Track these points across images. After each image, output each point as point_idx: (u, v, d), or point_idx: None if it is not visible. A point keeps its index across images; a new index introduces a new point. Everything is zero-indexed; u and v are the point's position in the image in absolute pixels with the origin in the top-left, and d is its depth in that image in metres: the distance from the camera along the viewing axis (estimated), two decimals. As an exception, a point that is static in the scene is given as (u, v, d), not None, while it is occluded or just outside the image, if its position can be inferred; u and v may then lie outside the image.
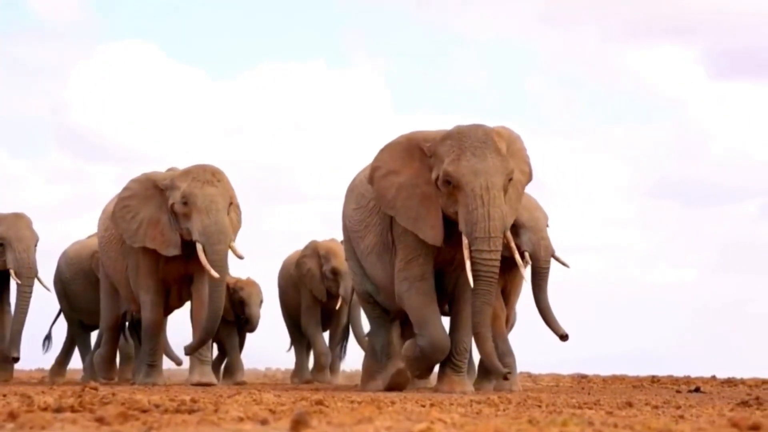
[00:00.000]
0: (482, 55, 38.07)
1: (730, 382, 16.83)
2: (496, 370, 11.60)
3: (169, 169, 14.73)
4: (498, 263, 11.11)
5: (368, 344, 13.36)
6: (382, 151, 11.98)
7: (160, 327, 14.71)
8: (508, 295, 13.33)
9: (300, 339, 18.21)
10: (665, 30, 35.18)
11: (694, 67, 36.34)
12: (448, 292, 12.04)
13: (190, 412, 6.41)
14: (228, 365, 17.08)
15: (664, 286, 31.70)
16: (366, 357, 13.27)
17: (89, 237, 17.62)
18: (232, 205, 14.27)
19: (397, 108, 37.66)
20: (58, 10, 38.41)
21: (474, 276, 11.04)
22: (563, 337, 12.97)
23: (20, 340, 16.71)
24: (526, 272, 12.68)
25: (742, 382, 17.10)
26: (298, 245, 17.91)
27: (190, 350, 14.57)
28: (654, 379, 18.14)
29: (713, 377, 18.75)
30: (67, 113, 37.88)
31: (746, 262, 33.20)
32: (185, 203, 13.94)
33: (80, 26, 38.76)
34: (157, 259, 14.45)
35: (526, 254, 12.71)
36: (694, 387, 14.15)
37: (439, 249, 11.59)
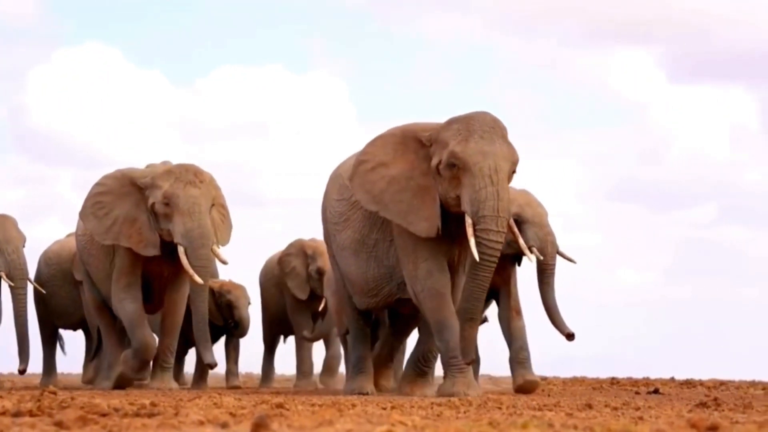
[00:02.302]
0: (443, 60, 38.12)
1: (689, 384, 16.93)
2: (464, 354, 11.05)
3: (148, 166, 14.49)
4: (501, 248, 10.76)
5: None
6: (370, 144, 11.58)
7: (143, 319, 14.08)
8: (508, 290, 12.98)
9: (271, 344, 17.99)
10: (625, 34, 35.34)
11: (655, 70, 36.51)
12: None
13: (150, 415, 6.38)
14: (201, 371, 16.73)
15: (624, 288, 31.83)
16: (375, 350, 12.77)
17: (68, 236, 17.35)
18: (215, 206, 14.13)
19: (358, 112, 37.64)
20: (17, 14, 38.17)
21: (476, 258, 10.62)
22: (569, 337, 12.64)
23: (28, 347, 16.27)
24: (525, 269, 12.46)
25: (701, 383, 17.22)
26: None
27: (209, 365, 14.24)
28: (613, 381, 18.21)
29: (672, 379, 18.87)
30: (25, 116, 37.63)
31: (705, 264, 33.40)
32: (167, 204, 13.67)
33: (39, 30, 38.54)
34: (138, 257, 14.07)
35: (534, 250, 12.45)
36: (653, 388, 14.21)
37: (447, 245, 11.19)
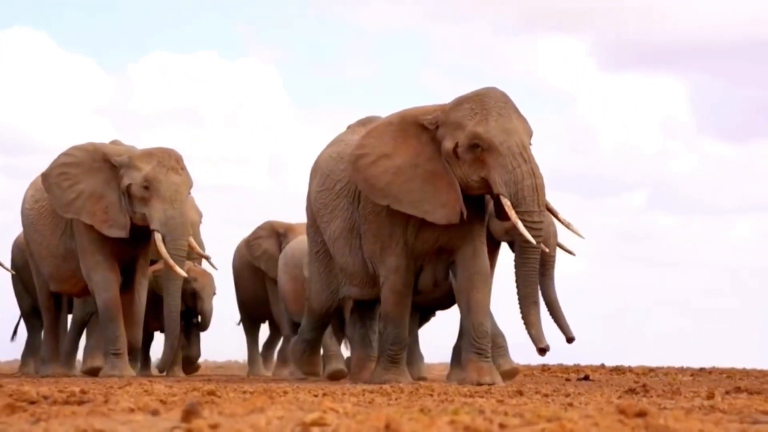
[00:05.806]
0: (375, 47, 38.15)
1: (619, 370, 17.06)
2: (536, 341, 11.05)
3: (113, 142, 14.02)
4: (544, 226, 10.65)
5: (356, 336, 12.42)
6: (366, 136, 11.13)
7: (118, 307, 13.61)
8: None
9: (252, 329, 17.27)
10: (556, 23, 35.56)
11: (585, 59, 36.78)
12: (429, 286, 11.36)
13: (80, 403, 6.34)
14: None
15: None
16: (354, 349, 12.47)
17: None
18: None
19: (291, 99, 37.59)
20: (-56, -4, 37.63)
21: (521, 242, 10.58)
22: (569, 340, 12.15)
23: None
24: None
25: (630, 370, 17.36)
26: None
27: (163, 365, 14.07)
28: (544, 368, 18.31)
29: (602, 365, 18.99)
30: (-47, 101, 37.12)
31: (634, 253, 33.74)
32: (146, 187, 13.30)
33: (-33, 12, 38.04)
34: (105, 237, 13.56)
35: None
36: (584, 375, 14.29)
37: (418, 237, 10.97)
